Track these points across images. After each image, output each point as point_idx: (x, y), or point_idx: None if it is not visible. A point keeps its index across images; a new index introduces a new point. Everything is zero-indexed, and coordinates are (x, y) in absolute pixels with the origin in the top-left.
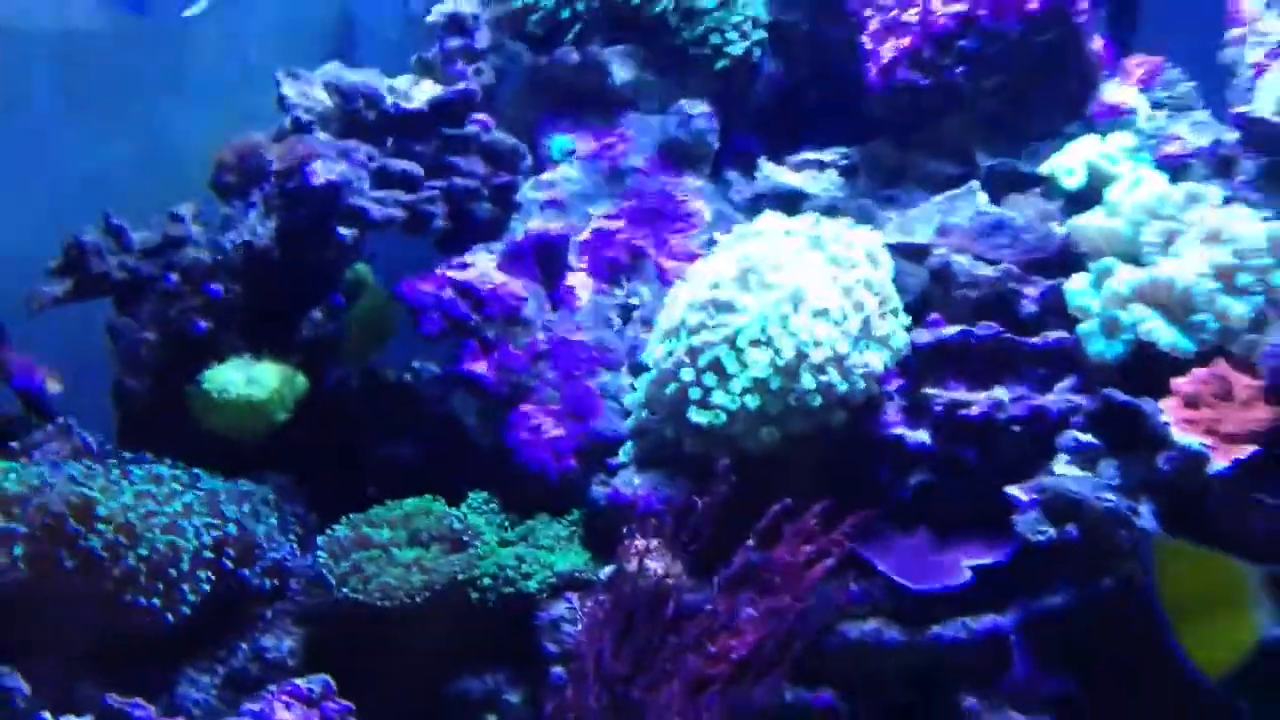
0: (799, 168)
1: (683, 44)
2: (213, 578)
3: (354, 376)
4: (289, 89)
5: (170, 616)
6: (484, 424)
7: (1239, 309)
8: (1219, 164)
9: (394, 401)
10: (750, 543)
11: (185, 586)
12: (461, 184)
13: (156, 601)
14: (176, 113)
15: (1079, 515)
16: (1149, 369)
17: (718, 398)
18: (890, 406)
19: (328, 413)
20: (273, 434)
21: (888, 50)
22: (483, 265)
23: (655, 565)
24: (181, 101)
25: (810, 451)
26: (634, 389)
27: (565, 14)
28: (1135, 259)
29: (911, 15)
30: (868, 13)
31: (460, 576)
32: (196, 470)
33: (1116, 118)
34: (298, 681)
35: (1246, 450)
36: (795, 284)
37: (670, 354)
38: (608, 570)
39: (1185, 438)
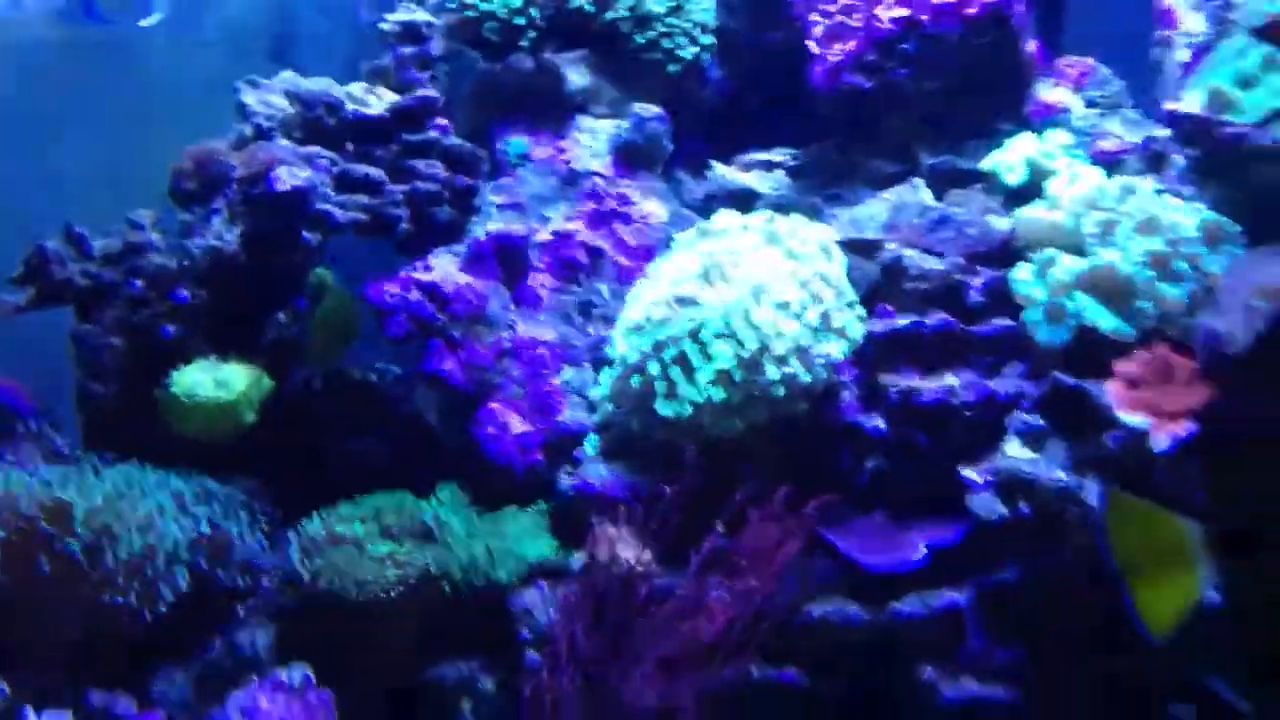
0: (748, 168)
1: (635, 50)
2: (188, 576)
3: (318, 378)
4: (249, 97)
5: (148, 614)
6: (450, 421)
7: (1175, 294)
8: (1151, 159)
9: (359, 402)
10: (719, 528)
11: (162, 585)
12: (424, 187)
13: (134, 600)
14: (133, 121)
15: (1031, 493)
16: (1091, 354)
17: (684, 390)
18: (848, 395)
19: (293, 414)
20: (240, 435)
21: (833, 54)
22: (445, 266)
23: (626, 552)
24: (137, 110)
25: (773, 440)
26: (598, 384)
27: (520, 21)
28: (1076, 249)
29: (856, 20)
30: (812, 17)
31: (433, 569)
32: (166, 472)
33: (1052, 116)
34: (279, 672)
35: (1186, 427)
36: (756, 278)
37: (635, 349)
38: (579, 558)
39: (1129, 416)
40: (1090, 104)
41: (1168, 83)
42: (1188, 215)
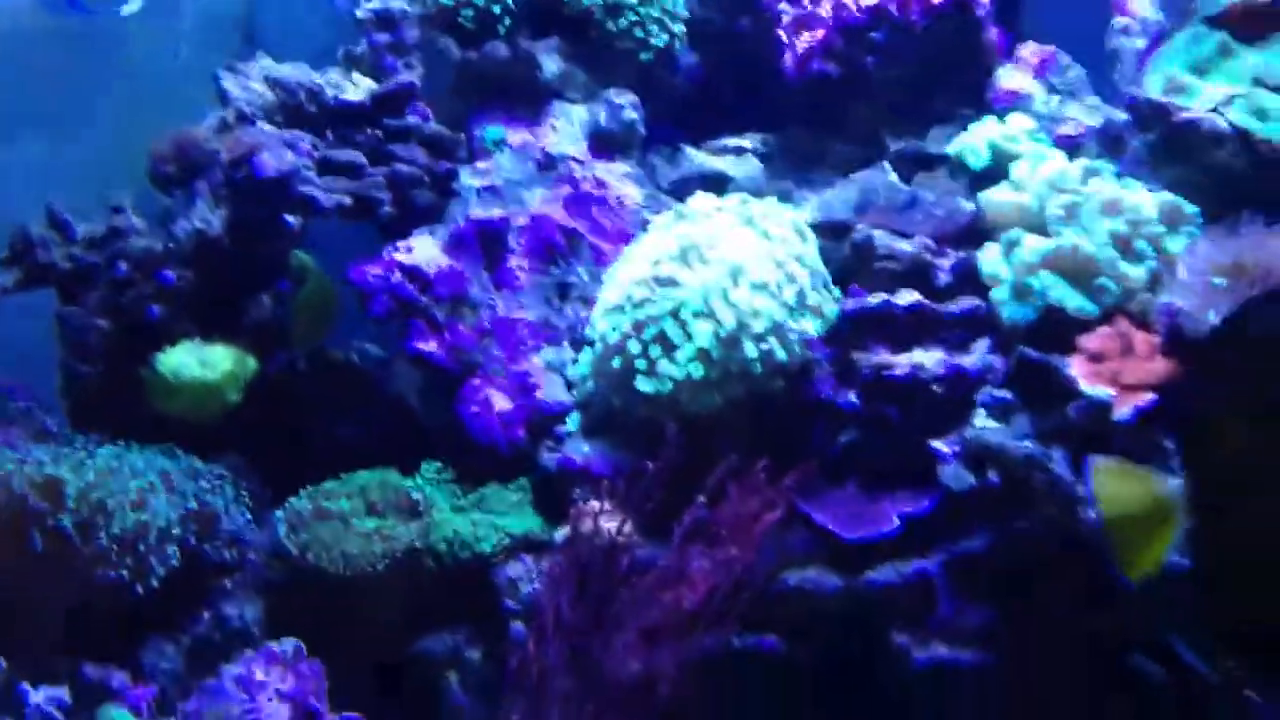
0: (719, 153)
1: (607, 37)
2: (178, 551)
3: (301, 359)
4: (229, 83)
5: (139, 588)
6: (431, 400)
7: (1136, 272)
8: (1110, 142)
9: (342, 382)
10: (701, 500)
11: (154, 559)
12: (406, 171)
13: (125, 574)
14: (113, 108)
15: (999, 462)
16: (1056, 331)
17: (664, 367)
18: (822, 371)
19: (277, 394)
20: (225, 415)
21: (803, 42)
22: (427, 249)
23: (608, 525)
24: (117, 97)
25: (750, 415)
26: (577, 363)
27: (496, 9)
28: (1041, 229)
29: (825, 9)
30: (782, 6)
31: (418, 543)
32: (152, 449)
33: (1014, 102)
34: (271, 644)
35: (1147, 398)
36: (733, 259)
37: (615, 328)
38: (562, 531)
39: (1092, 388)
40: (1051, 90)
41: (1126, 69)
42: (1147, 196)
